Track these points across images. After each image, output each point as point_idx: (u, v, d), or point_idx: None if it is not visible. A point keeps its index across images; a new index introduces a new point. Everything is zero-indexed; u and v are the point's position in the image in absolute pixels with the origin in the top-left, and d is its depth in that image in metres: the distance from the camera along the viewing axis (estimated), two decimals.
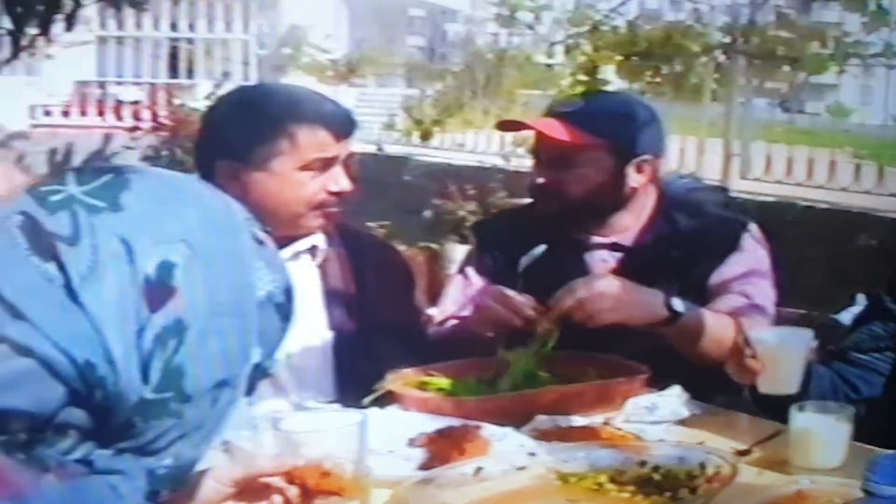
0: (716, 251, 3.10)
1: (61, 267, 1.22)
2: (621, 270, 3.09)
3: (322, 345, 2.87)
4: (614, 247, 3.16)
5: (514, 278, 3.04)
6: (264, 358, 1.34)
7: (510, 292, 2.88)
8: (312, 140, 2.72)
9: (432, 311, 3.22)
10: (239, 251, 1.31)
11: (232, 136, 2.75)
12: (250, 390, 1.34)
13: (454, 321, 3.17)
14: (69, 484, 1.22)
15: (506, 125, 3.81)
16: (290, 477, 1.77)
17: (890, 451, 2.18)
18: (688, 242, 3.10)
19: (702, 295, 3.07)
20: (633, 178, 3.12)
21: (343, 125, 2.78)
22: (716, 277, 3.08)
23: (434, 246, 7.81)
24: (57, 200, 1.27)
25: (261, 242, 1.34)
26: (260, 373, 1.35)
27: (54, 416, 1.21)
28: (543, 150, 3.12)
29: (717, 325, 2.93)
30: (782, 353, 2.54)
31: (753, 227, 3.16)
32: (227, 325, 1.27)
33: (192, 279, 1.25)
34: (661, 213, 3.17)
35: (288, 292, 1.36)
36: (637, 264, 3.11)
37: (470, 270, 3.28)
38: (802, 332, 2.61)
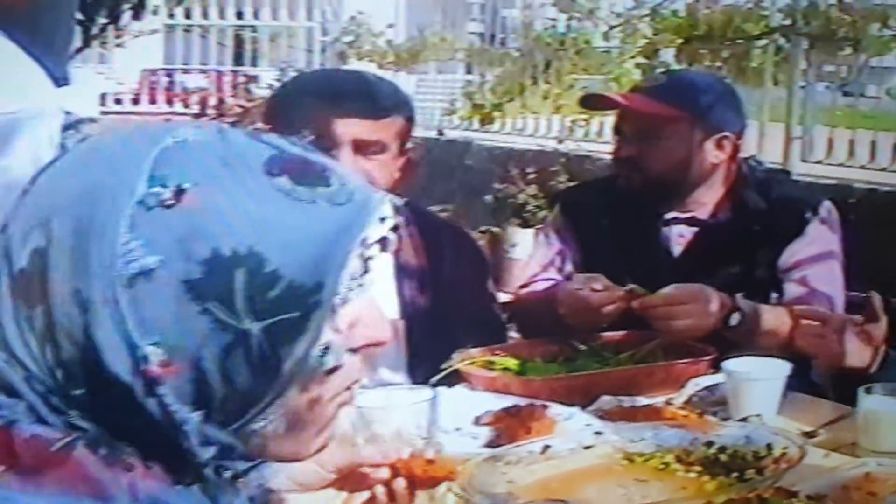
0: (786, 232, 3.12)
1: None
2: (696, 245, 3.18)
3: (393, 324, 2.87)
4: (691, 221, 3.20)
5: (595, 248, 3.18)
6: (160, 346, 1.09)
7: (599, 286, 2.91)
8: (343, 123, 2.67)
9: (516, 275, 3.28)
10: (104, 223, 1.08)
11: (282, 125, 2.68)
12: (150, 389, 1.10)
13: (540, 283, 3.24)
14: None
15: (590, 100, 3.77)
16: (395, 469, 1.77)
17: None
18: (760, 222, 3.13)
19: (771, 273, 3.11)
20: (713, 155, 3.18)
21: (376, 107, 2.71)
22: (785, 258, 3.11)
23: (495, 230, 7.82)
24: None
25: (166, 206, 1.08)
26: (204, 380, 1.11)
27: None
28: (627, 124, 3.19)
29: (774, 321, 2.92)
30: (753, 385, 2.53)
31: (825, 208, 3.17)
32: (90, 315, 1.08)
33: (52, 265, 1.09)
34: (736, 192, 3.21)
35: (215, 265, 1.08)
36: (711, 240, 3.17)
37: (552, 235, 3.35)
38: (777, 363, 2.59)
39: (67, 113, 2.39)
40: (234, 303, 1.08)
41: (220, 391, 1.10)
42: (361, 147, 2.67)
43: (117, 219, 1.08)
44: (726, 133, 3.19)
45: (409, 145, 2.80)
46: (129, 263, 1.07)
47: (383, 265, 2.85)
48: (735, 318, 2.86)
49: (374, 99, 2.72)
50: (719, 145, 3.18)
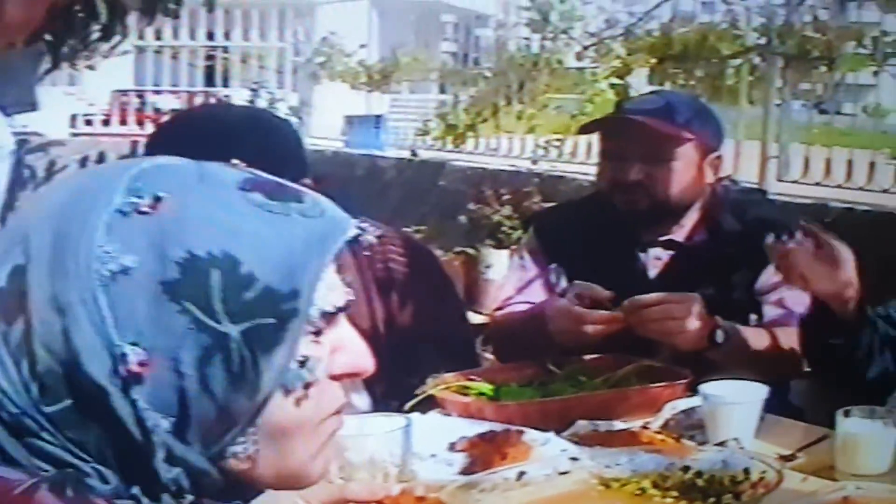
0: (762, 254, 3.09)
1: None
2: (672, 268, 3.18)
3: None
4: (668, 244, 3.20)
5: (569, 270, 3.15)
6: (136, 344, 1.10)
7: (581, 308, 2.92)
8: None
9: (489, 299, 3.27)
10: (82, 231, 1.11)
11: None
12: (126, 391, 1.10)
13: (516, 306, 3.23)
14: None
15: (601, 123, 3.48)
16: None
17: None
18: (736, 244, 3.13)
19: (748, 295, 3.12)
20: (709, 175, 3.20)
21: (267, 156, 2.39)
22: (762, 281, 3.11)
23: (470, 251, 7.80)
24: None
25: (141, 213, 1.12)
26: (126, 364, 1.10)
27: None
28: (635, 146, 3.13)
29: (755, 341, 2.98)
30: (729, 408, 2.51)
31: (800, 232, 3.16)
32: (69, 319, 1.09)
33: (29, 278, 1.11)
34: (712, 214, 3.21)
35: (191, 266, 1.11)
36: (688, 263, 3.17)
37: (526, 257, 3.34)
38: (754, 386, 2.57)
39: (37, 135, 2.36)
40: (212, 303, 1.10)
41: (198, 401, 1.11)
42: None
43: (94, 224, 1.10)
44: (719, 153, 3.22)
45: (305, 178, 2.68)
46: (105, 264, 1.09)
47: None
48: (720, 336, 2.88)
49: (266, 147, 2.52)
50: (713, 165, 3.21)
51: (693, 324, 2.85)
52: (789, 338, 2.98)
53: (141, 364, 1.08)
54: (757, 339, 2.96)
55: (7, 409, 1.10)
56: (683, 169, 3.14)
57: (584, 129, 3.63)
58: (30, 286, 1.10)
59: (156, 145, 2.69)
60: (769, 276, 3.08)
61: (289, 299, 1.13)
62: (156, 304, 1.09)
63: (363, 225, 1.21)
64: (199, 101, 13.24)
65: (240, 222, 1.13)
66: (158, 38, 12.56)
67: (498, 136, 9.45)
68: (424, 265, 3.12)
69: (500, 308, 3.31)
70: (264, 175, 1.20)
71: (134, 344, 1.09)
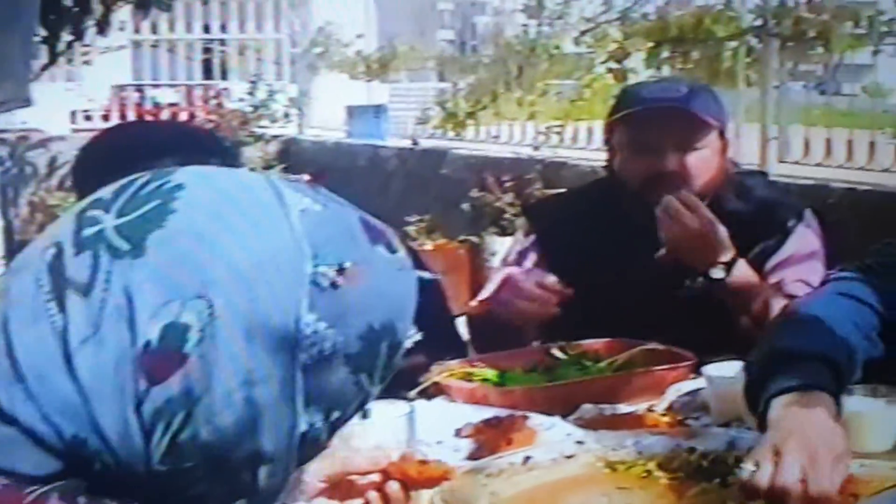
0: (767, 240, 3.12)
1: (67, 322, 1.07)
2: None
3: None
4: None
5: (568, 258, 3.11)
6: (326, 420, 1.15)
7: (534, 280, 2.92)
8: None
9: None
10: (283, 302, 1.10)
11: (93, 182, 2.64)
12: (305, 460, 1.17)
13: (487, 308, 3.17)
14: None
15: (619, 126, 3.26)
16: (387, 473, 1.78)
17: None
18: (741, 230, 3.09)
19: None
20: (726, 161, 3.22)
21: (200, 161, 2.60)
22: (768, 268, 3.10)
23: (474, 239, 7.82)
24: (88, 236, 1.11)
25: (335, 286, 1.13)
26: (315, 440, 1.17)
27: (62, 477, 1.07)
28: (668, 135, 3.10)
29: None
30: (733, 389, 2.45)
31: (808, 213, 3.18)
32: (256, 393, 1.08)
33: (210, 343, 1.07)
34: (721, 198, 3.17)
35: (369, 338, 1.15)
36: None
37: (520, 246, 3.32)
38: None
39: (37, 131, 2.38)
40: (375, 372, 1.18)
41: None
42: None
43: (298, 299, 1.11)
44: (728, 139, 3.23)
45: None
46: (314, 345, 1.12)
47: None
48: (719, 272, 2.95)
49: (196, 152, 2.60)
50: (726, 147, 3.21)
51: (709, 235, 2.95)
52: None
53: (322, 443, 1.17)
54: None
55: (103, 461, 1.08)
56: (711, 156, 3.13)
57: (611, 122, 3.29)
58: (210, 353, 1.07)
59: (85, 164, 2.72)
60: (775, 262, 3.10)
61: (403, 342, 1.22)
62: (337, 375, 1.13)
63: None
64: (198, 94, 13.26)
65: (394, 288, 1.18)
66: (155, 31, 12.54)
67: (498, 123, 9.45)
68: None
69: (474, 311, 3.23)
70: (367, 217, 1.23)
71: (321, 417, 1.14)
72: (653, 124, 3.10)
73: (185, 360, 1.06)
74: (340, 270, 1.13)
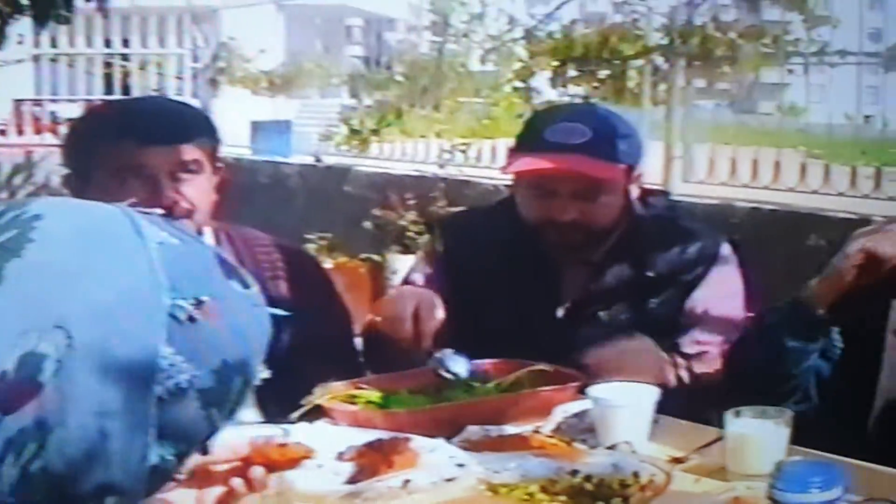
0: (686, 266, 3.07)
1: None
2: (587, 285, 3.09)
3: None
4: (583, 258, 3.11)
5: (472, 279, 3.07)
6: (175, 454, 1.15)
7: (409, 305, 2.84)
8: (154, 152, 2.68)
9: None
10: (141, 335, 1.10)
11: (84, 160, 2.75)
12: (151, 492, 1.16)
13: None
14: None
15: (520, 172, 3.18)
16: (249, 459, 1.76)
17: (798, 457, 2.17)
18: (658, 259, 3.07)
19: (674, 312, 3.06)
20: (633, 193, 3.11)
21: (183, 131, 2.74)
22: (689, 302, 3.06)
23: (376, 257, 7.77)
24: None
25: (192, 320, 1.13)
26: (164, 473, 1.16)
27: None
28: (564, 185, 3.00)
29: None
30: (619, 411, 2.49)
31: (724, 250, 3.13)
32: (109, 426, 1.08)
33: (65, 375, 1.06)
34: (633, 229, 3.12)
35: (223, 373, 1.15)
36: (604, 280, 3.09)
37: (416, 276, 3.24)
38: (645, 388, 2.55)
39: None
40: (227, 407, 1.18)
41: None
42: (176, 172, 2.69)
43: (156, 333, 1.11)
44: (640, 171, 3.13)
45: (219, 165, 2.83)
46: (171, 378, 1.11)
47: None
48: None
49: (179, 124, 2.77)
50: (636, 183, 3.12)
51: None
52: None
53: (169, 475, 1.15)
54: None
55: None
56: (615, 199, 3.05)
57: (511, 157, 3.20)
58: (66, 384, 1.06)
59: (74, 141, 2.83)
60: (694, 299, 3.05)
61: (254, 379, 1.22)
62: (189, 409, 1.12)
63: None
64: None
65: (248, 324, 1.19)
66: (54, 45, 12.40)
67: (403, 141, 9.41)
68: (311, 276, 3.09)
69: (366, 328, 3.19)
70: (221, 252, 1.24)
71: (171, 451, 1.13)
72: (552, 173, 3.01)
73: (39, 390, 1.05)
74: (198, 304, 1.13)
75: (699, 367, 2.97)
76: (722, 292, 3.07)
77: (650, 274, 3.05)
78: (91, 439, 1.07)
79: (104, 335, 1.07)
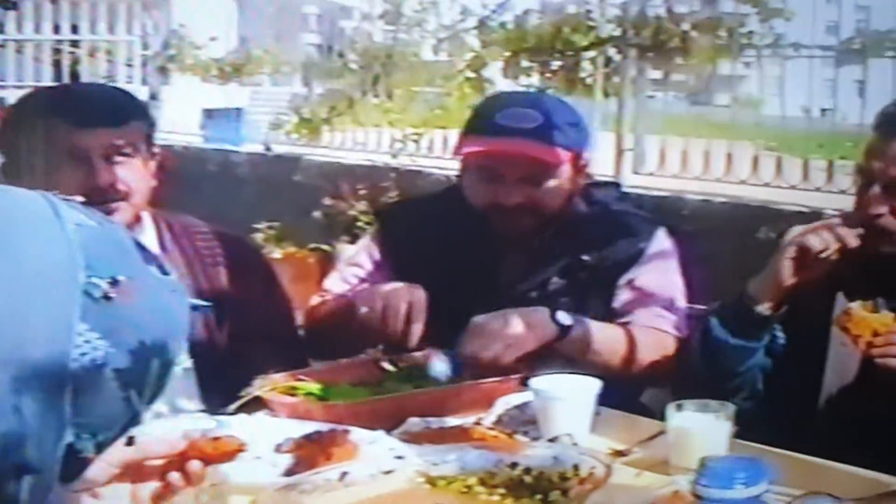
0: (624, 254, 3.10)
1: None
2: (528, 270, 3.11)
3: None
4: (524, 246, 3.13)
5: (416, 267, 3.05)
6: (92, 435, 1.15)
7: (403, 303, 2.84)
8: (89, 135, 2.71)
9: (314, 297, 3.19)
10: (55, 312, 1.11)
11: (20, 143, 2.75)
12: (69, 476, 1.16)
13: (336, 303, 3.12)
14: None
15: (470, 153, 3.17)
16: (185, 455, 1.78)
17: (725, 453, 2.19)
18: (597, 244, 3.09)
19: (611, 294, 3.09)
20: (580, 180, 3.15)
21: (117, 115, 2.78)
22: (622, 281, 3.08)
23: (326, 247, 7.72)
24: None
25: (108, 298, 1.14)
26: (82, 455, 1.16)
27: None
28: (512, 168, 3.03)
29: (608, 336, 2.96)
30: (560, 403, 2.48)
31: (663, 230, 3.17)
32: (24, 403, 1.08)
33: None
34: (573, 215, 3.14)
35: (140, 354, 1.16)
36: (545, 264, 3.11)
37: (363, 257, 3.26)
38: (587, 380, 2.54)
39: None
40: (145, 389, 1.18)
41: None
42: (111, 155, 2.72)
43: (70, 309, 1.12)
44: (587, 159, 3.17)
45: (156, 150, 2.87)
46: (86, 354, 1.11)
47: None
48: (565, 317, 2.87)
49: (113, 108, 2.81)
50: (583, 170, 3.15)
51: (526, 325, 2.81)
52: (660, 344, 3.00)
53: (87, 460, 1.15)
54: (610, 332, 2.97)
55: None
56: (562, 185, 3.08)
57: (462, 141, 3.21)
58: None
59: (13, 120, 2.84)
60: (640, 266, 3.09)
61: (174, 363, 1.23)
62: (106, 389, 1.13)
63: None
64: None
65: (167, 308, 1.20)
66: (1, 31, 12.28)
67: (355, 130, 9.37)
68: (251, 265, 3.09)
69: (320, 305, 3.20)
70: (140, 240, 1.26)
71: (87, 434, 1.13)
72: (501, 155, 3.04)
73: None
74: (114, 283, 1.15)
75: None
76: (654, 277, 3.09)
77: (587, 259, 3.07)
78: (6, 418, 1.07)
79: (18, 312, 1.08)
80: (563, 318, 2.86)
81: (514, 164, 3.02)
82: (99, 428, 1.15)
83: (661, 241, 3.13)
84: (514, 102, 3.19)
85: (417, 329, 2.82)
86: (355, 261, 3.28)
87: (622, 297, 3.08)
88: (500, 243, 3.12)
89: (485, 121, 3.12)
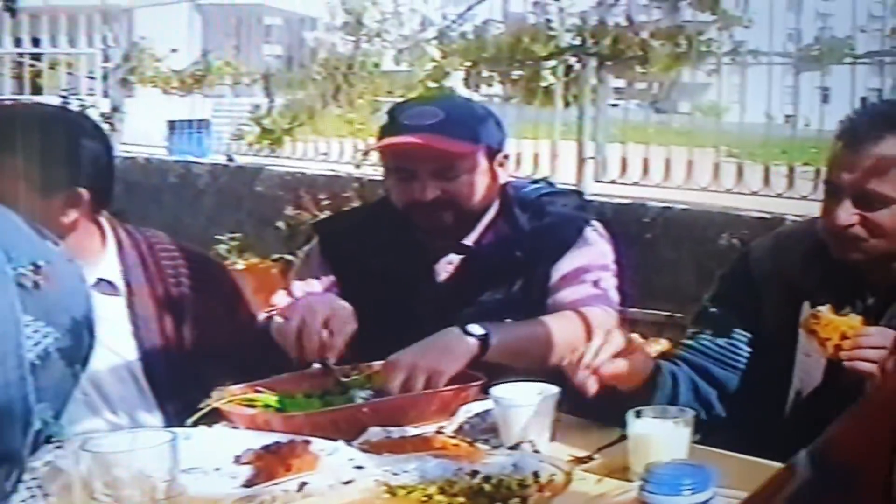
0: (557, 248, 3.13)
1: None
2: (462, 271, 3.15)
3: (130, 367, 2.82)
4: (458, 248, 3.15)
5: (355, 276, 3.11)
6: (54, 418, 1.19)
7: (320, 316, 2.80)
8: None
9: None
10: (1, 307, 1.13)
11: None
12: (32, 452, 1.19)
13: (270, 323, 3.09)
14: None
15: (385, 145, 3.19)
16: None
17: (670, 460, 2.17)
18: (529, 241, 3.12)
19: (545, 287, 3.11)
20: (501, 176, 3.20)
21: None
22: (556, 273, 3.10)
23: (289, 257, 7.71)
24: None
25: (37, 286, 1.16)
26: (46, 434, 1.20)
27: None
28: (422, 164, 3.07)
29: (531, 332, 2.97)
30: (519, 411, 2.48)
31: (597, 224, 3.20)
32: None
33: None
34: (504, 213, 3.19)
35: (75, 330, 1.21)
36: (477, 265, 3.15)
37: (305, 270, 3.29)
38: (545, 387, 2.54)
39: None
40: (85, 362, 1.23)
41: None
42: None
43: (11, 302, 1.13)
44: (505, 153, 3.22)
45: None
46: (38, 345, 1.15)
47: (115, 307, 2.82)
48: (476, 327, 2.86)
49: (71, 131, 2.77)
50: (502, 165, 3.20)
51: (442, 349, 2.81)
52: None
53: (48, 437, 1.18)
54: (533, 331, 2.97)
55: None
56: (477, 178, 3.12)
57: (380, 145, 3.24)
58: None
59: None
60: (573, 260, 3.11)
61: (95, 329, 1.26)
62: (56, 369, 1.17)
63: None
64: None
65: (76, 277, 1.24)
66: None
67: (317, 140, 9.36)
68: (213, 277, 3.08)
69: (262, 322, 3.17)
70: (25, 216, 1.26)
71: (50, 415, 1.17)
72: (409, 153, 3.09)
73: None
74: (36, 269, 1.17)
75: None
76: (585, 261, 3.12)
77: (519, 254, 3.11)
78: None
79: None
80: (474, 328, 2.85)
81: (422, 158, 3.07)
82: (57, 406, 1.20)
83: (593, 232, 3.17)
84: (418, 103, 3.31)
85: (339, 342, 2.78)
86: (299, 275, 3.29)
87: (555, 287, 3.10)
88: (434, 244, 3.17)
89: (392, 123, 3.18)
